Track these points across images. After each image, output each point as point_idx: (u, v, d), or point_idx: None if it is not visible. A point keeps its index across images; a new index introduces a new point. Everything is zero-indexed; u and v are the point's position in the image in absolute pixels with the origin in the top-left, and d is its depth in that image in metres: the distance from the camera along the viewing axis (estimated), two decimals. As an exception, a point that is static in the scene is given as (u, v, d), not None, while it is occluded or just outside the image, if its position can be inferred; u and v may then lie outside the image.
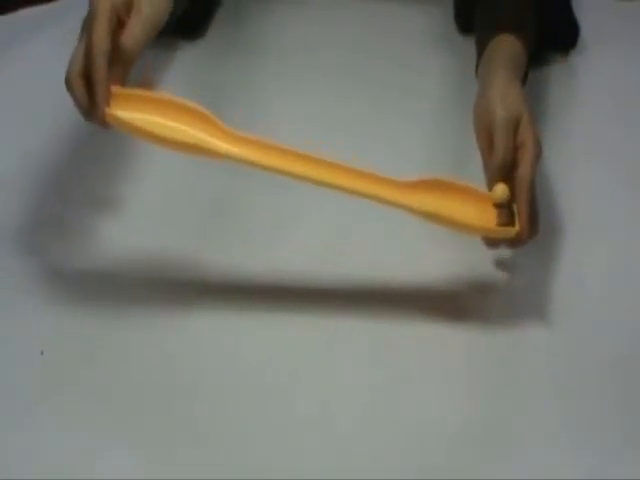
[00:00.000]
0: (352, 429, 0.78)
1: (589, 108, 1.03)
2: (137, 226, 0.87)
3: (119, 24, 0.81)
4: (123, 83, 0.81)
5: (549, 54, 1.07)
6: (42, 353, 0.82)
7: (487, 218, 0.81)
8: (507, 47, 0.91)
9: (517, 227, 0.81)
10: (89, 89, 0.78)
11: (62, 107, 1.00)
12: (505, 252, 0.87)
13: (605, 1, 1.15)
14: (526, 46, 0.92)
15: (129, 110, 0.78)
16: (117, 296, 0.86)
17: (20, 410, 0.79)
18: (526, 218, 0.81)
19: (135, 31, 0.81)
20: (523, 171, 0.82)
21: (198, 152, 0.79)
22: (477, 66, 0.94)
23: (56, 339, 0.83)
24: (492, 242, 0.85)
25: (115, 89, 0.78)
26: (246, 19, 1.11)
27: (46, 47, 1.08)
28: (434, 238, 0.88)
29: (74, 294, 0.86)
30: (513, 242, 0.83)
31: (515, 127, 0.83)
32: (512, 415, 0.79)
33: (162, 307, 0.85)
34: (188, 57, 1.07)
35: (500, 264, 0.89)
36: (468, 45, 1.00)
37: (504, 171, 0.82)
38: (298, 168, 0.78)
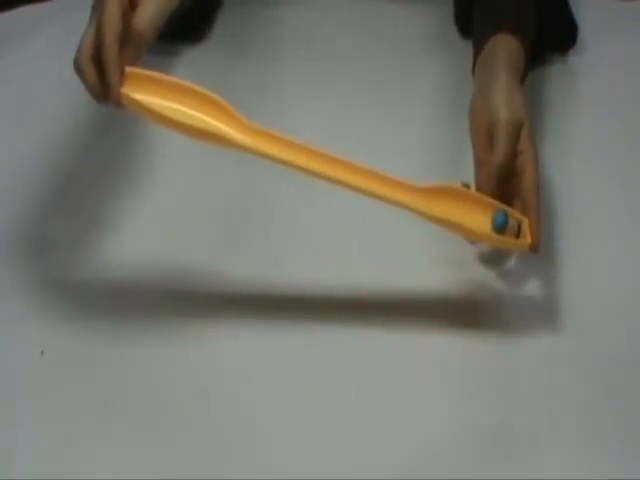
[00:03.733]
0: (356, 437, 0.78)
1: (589, 108, 1.03)
2: (148, 238, 0.88)
3: (131, 5, 0.78)
4: (135, 65, 0.78)
5: (548, 54, 1.07)
6: (42, 353, 0.82)
7: None
8: (507, 47, 0.91)
9: (529, 240, 0.81)
10: (100, 72, 0.76)
11: (62, 106, 1.01)
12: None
13: (605, 1, 1.14)
14: (525, 47, 0.91)
15: (144, 92, 0.77)
16: (117, 299, 0.86)
17: (20, 410, 0.79)
18: (539, 229, 0.81)
19: (147, 12, 0.79)
20: (530, 179, 0.82)
21: (211, 139, 0.77)
22: (474, 64, 0.93)
23: (56, 339, 0.83)
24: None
25: (129, 70, 0.77)
26: (246, 22, 1.11)
27: (45, 45, 1.08)
28: (435, 246, 0.88)
29: (77, 297, 0.86)
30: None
31: (518, 132, 0.84)
32: (513, 422, 0.79)
33: (161, 308, 0.85)
34: (189, 61, 1.06)
35: (501, 271, 0.89)
36: (466, 47, 1.00)
37: (503, 174, 0.82)
38: (314, 164, 0.78)
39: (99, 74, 0.76)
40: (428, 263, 0.89)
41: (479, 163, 0.85)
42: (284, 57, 1.07)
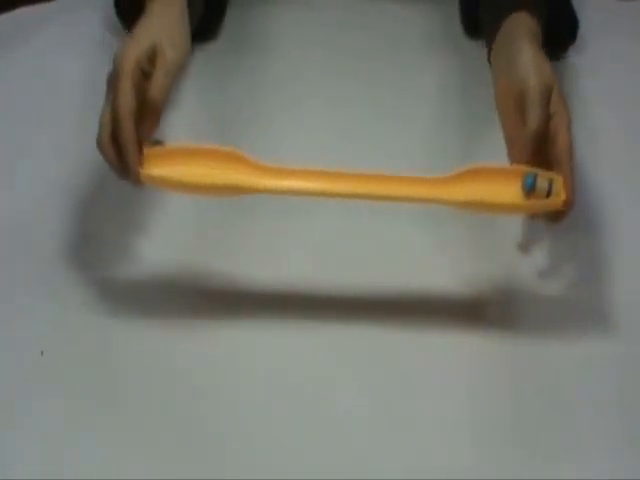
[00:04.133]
0: (358, 437, 0.78)
1: (589, 108, 1.03)
2: (148, 240, 0.88)
3: (144, 76, 0.79)
4: (154, 131, 0.81)
5: (549, 52, 1.07)
6: (42, 353, 0.82)
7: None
8: (524, 22, 0.89)
9: (563, 196, 0.78)
10: (120, 151, 0.78)
11: (61, 108, 1.01)
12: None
13: (605, 1, 1.14)
14: (540, 25, 0.91)
15: (162, 166, 0.79)
16: (116, 299, 0.86)
17: (20, 410, 0.79)
18: (573, 186, 0.79)
19: (161, 80, 0.80)
20: (563, 139, 0.81)
21: (235, 192, 0.79)
22: (489, 55, 0.92)
23: (56, 339, 0.83)
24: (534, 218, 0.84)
25: (146, 151, 0.79)
26: (246, 21, 1.11)
27: (45, 45, 1.08)
28: (438, 245, 0.89)
29: (76, 297, 0.86)
30: (558, 215, 0.81)
31: (549, 98, 0.83)
32: (514, 422, 0.79)
33: (161, 308, 0.85)
34: (193, 61, 1.06)
35: (506, 268, 0.89)
36: (469, 46, 1.00)
37: (538, 140, 0.81)
38: (340, 188, 0.79)
39: (118, 154, 0.78)
40: (437, 262, 0.89)
41: (511, 142, 0.84)
42: (285, 56, 1.07)
